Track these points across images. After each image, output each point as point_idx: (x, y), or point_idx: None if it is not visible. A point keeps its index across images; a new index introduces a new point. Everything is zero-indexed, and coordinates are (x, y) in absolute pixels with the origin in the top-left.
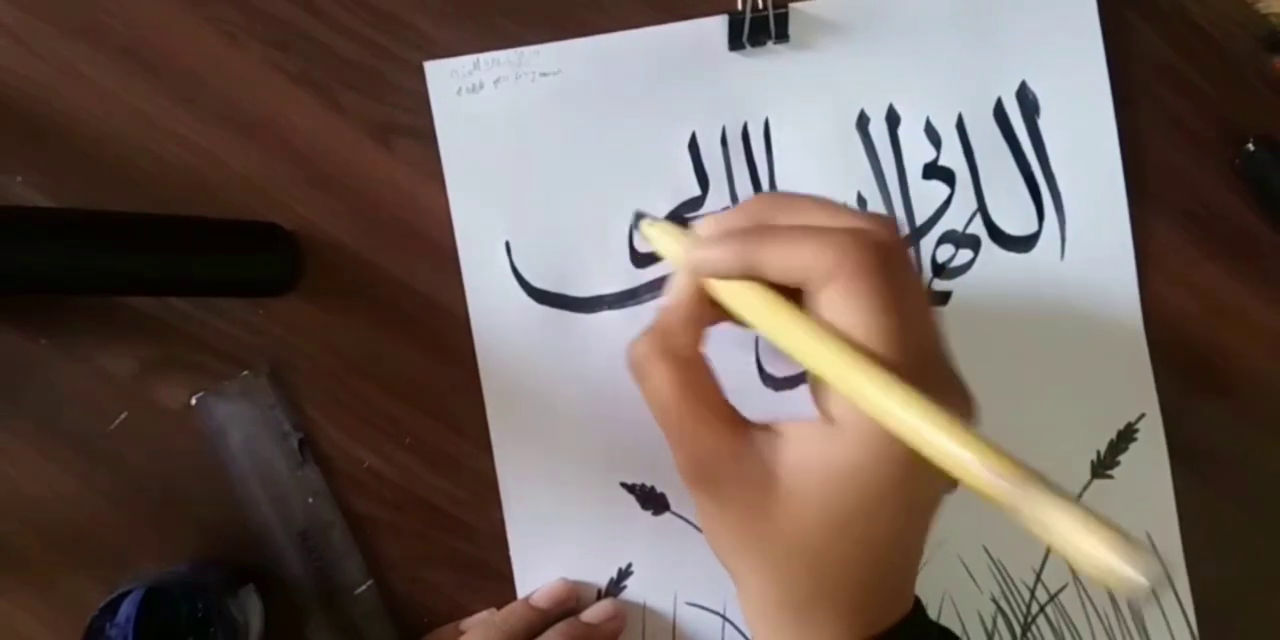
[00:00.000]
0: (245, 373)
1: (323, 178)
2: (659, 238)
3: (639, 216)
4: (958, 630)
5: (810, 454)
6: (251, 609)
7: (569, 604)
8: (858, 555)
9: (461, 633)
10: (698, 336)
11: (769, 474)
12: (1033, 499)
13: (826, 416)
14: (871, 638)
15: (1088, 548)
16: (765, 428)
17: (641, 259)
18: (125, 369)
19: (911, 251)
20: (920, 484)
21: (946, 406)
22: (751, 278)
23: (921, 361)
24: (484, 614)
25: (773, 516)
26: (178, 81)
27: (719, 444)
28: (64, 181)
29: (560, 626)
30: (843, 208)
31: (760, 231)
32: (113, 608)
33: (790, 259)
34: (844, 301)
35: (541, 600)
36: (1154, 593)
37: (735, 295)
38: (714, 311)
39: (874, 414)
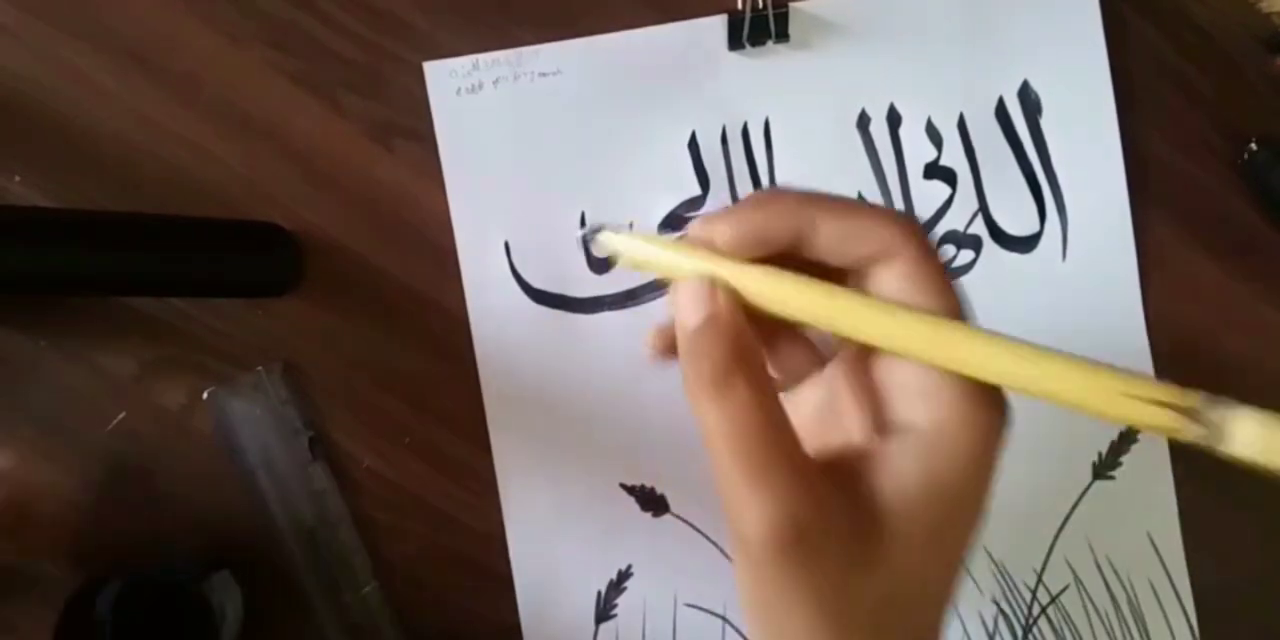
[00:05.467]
0: (259, 368)
1: (322, 178)
2: (636, 246)
3: (595, 230)
4: (959, 632)
5: (908, 473)
6: (228, 595)
7: None
8: (950, 584)
9: None
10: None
11: (866, 516)
12: (1209, 417)
13: (896, 427)
14: None
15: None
16: (839, 462)
17: None
18: (124, 369)
19: None
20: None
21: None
22: (783, 255)
23: None
24: None
25: (878, 565)
26: (178, 81)
27: (808, 493)
28: (63, 181)
29: None
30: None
31: (810, 197)
32: (91, 598)
33: (851, 226)
34: (911, 280)
35: None
36: None
37: (770, 286)
38: (753, 323)
39: (1000, 380)
